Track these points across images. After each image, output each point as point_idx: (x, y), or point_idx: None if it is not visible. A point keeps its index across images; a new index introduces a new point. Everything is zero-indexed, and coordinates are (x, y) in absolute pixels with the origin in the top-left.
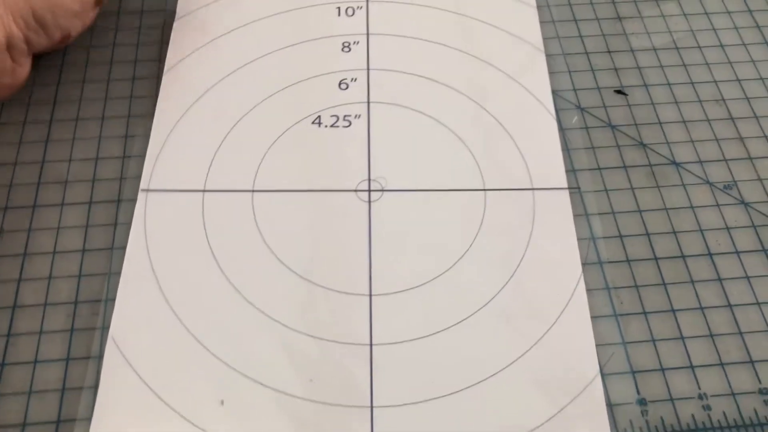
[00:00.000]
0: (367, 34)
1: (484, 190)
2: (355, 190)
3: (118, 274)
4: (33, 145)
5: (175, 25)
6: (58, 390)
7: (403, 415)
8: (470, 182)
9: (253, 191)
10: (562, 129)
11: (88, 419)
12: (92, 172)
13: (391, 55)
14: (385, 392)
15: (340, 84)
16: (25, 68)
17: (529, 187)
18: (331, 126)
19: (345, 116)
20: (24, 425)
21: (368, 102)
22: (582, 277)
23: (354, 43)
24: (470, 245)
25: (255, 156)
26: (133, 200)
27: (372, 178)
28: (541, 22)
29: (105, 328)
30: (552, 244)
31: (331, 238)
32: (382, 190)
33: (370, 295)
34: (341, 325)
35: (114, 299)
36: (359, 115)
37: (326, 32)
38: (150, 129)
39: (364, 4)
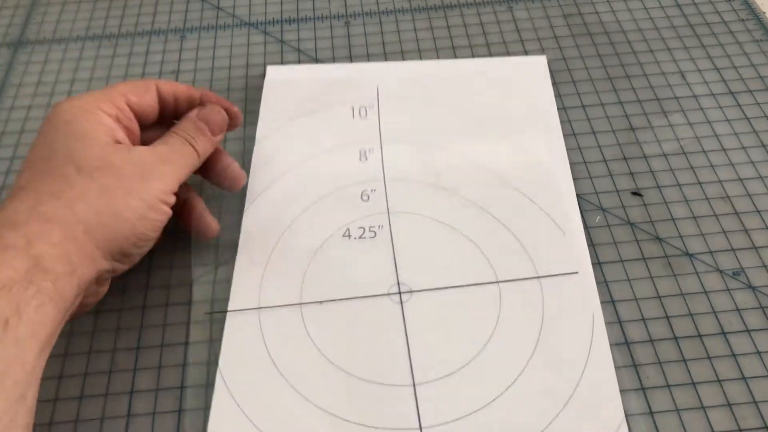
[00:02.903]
0: (380, 140)
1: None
2: (388, 294)
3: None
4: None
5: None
6: None
7: None
8: (483, 276)
9: (301, 304)
10: (587, 227)
11: None
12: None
13: (404, 164)
14: None
15: (362, 195)
16: (105, 287)
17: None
18: (359, 237)
19: (370, 227)
20: None
21: (388, 212)
22: (611, 355)
23: (369, 150)
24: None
25: (299, 272)
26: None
27: (400, 281)
28: (565, 135)
29: None
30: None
31: (371, 338)
32: (411, 292)
33: (414, 385)
34: (388, 413)
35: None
36: (382, 226)
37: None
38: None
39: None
